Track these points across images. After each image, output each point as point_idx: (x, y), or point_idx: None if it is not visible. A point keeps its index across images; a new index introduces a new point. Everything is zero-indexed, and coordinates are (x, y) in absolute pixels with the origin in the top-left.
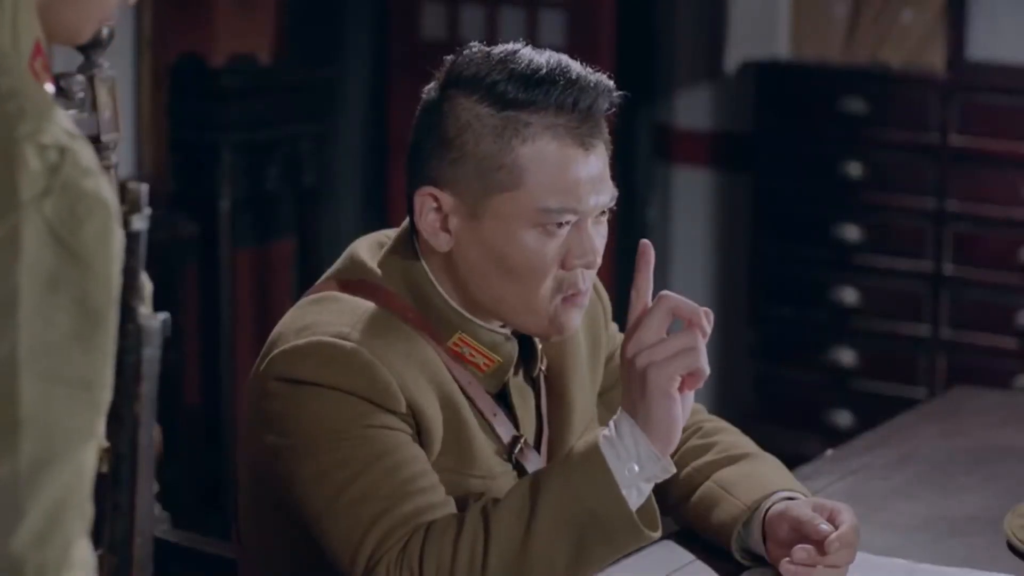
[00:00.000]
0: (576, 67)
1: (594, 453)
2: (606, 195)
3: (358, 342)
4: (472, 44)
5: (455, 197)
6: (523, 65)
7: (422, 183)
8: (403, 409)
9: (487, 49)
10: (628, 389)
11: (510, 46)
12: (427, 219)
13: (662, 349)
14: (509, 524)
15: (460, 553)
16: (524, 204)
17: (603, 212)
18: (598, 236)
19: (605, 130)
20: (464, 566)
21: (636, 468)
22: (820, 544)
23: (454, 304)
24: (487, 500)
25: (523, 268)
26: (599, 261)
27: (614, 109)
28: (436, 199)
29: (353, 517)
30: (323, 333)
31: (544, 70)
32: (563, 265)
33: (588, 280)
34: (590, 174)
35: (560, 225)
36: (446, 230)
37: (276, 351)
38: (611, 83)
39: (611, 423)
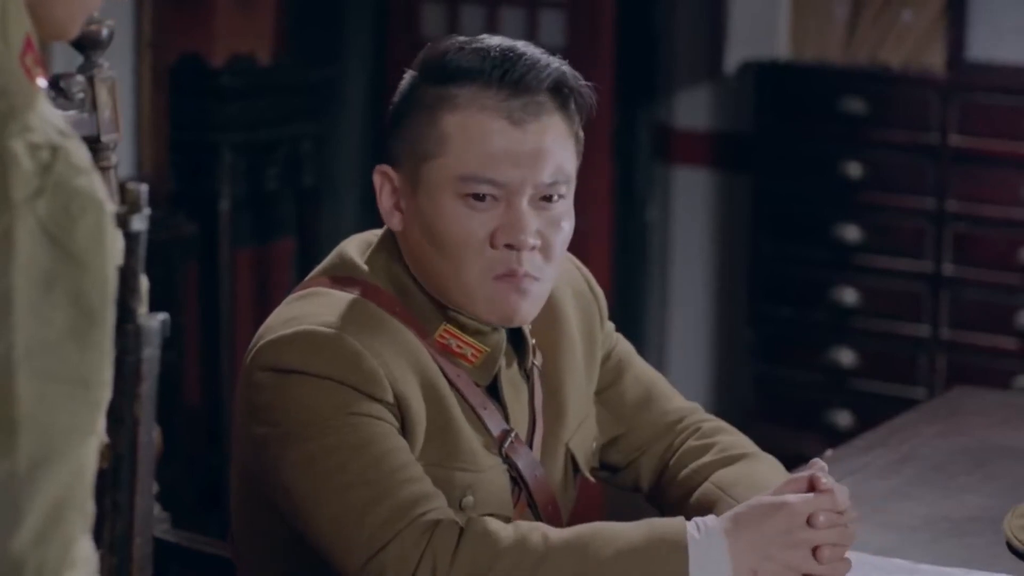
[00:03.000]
0: (527, 49)
1: (679, 552)
2: (540, 174)
3: (345, 331)
4: (452, 36)
5: (400, 173)
6: (472, 46)
7: (381, 162)
8: (390, 398)
9: (461, 38)
10: (757, 522)
11: (482, 35)
12: (383, 199)
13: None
14: (563, 568)
15: (501, 568)
16: (446, 172)
17: (548, 197)
18: (539, 219)
19: (554, 111)
20: None
21: None
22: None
23: (435, 295)
24: (545, 528)
25: (449, 242)
26: (532, 243)
27: (565, 89)
28: (390, 178)
29: (343, 503)
30: (309, 323)
31: (488, 50)
32: (491, 243)
33: (527, 263)
34: (517, 148)
35: (481, 198)
36: (399, 209)
37: (262, 342)
38: (557, 63)
39: (705, 528)
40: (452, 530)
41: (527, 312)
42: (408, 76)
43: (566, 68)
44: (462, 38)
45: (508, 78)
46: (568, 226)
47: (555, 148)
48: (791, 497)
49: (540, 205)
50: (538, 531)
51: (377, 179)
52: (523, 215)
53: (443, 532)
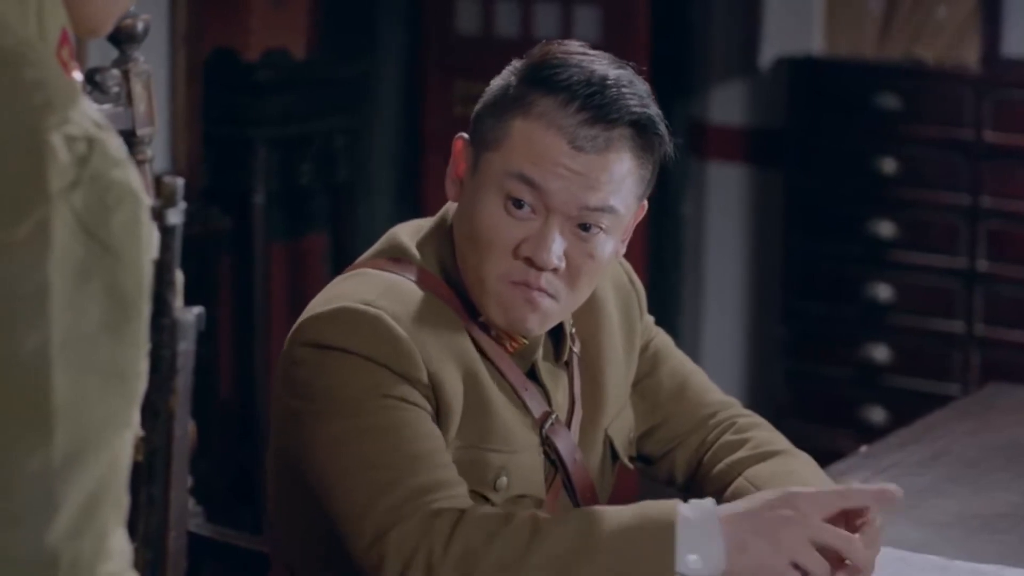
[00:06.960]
0: (623, 82)
1: (666, 530)
2: (584, 197)
3: (383, 309)
4: (567, 43)
5: (471, 151)
6: (573, 62)
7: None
8: (424, 379)
9: (575, 48)
10: (755, 502)
11: (595, 52)
12: (452, 165)
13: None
14: (552, 553)
15: (492, 551)
16: (498, 167)
17: (585, 226)
18: (572, 246)
19: (624, 149)
20: (492, 567)
21: (698, 562)
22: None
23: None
24: (539, 516)
25: (481, 237)
26: (554, 263)
27: (643, 130)
28: (465, 150)
29: (359, 484)
30: (351, 300)
31: (587, 74)
32: (515, 253)
33: (543, 281)
34: (570, 165)
35: (520, 205)
36: (461, 183)
37: (304, 318)
38: (644, 104)
39: (700, 508)
40: (451, 517)
41: (536, 324)
42: (514, 63)
43: (652, 111)
44: (576, 47)
45: (589, 104)
46: (603, 260)
47: (608, 181)
48: (796, 488)
49: (576, 232)
50: (530, 513)
51: (457, 145)
52: (550, 234)
53: (442, 520)
